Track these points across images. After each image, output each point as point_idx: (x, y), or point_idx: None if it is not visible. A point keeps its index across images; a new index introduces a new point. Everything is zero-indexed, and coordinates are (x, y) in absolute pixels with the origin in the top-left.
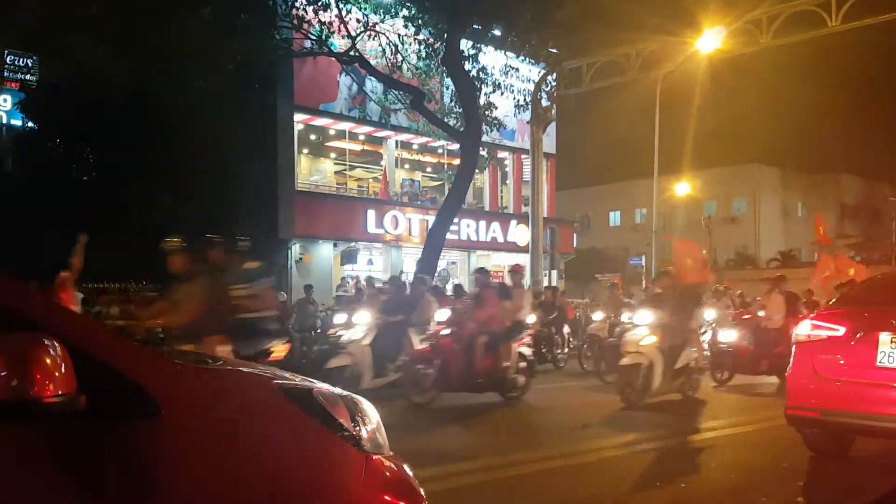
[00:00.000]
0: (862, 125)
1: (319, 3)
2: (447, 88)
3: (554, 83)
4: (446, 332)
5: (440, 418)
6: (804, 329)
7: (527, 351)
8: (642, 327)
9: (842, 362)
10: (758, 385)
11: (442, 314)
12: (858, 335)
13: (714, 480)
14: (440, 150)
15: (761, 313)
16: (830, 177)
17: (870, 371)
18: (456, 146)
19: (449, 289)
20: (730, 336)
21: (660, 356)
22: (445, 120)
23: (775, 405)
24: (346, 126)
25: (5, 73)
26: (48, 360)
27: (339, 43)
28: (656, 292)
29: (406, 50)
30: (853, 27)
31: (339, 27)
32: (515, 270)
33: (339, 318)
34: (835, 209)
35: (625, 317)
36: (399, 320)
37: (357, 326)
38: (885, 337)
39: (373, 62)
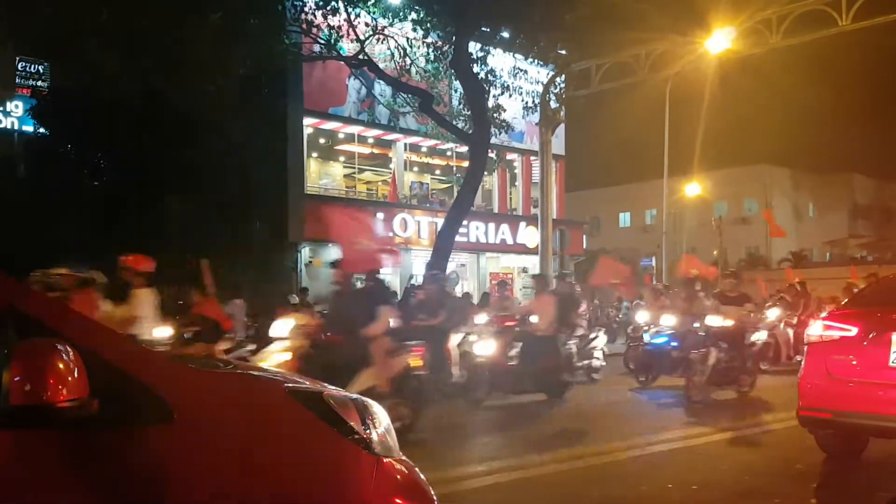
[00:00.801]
0: (874, 125)
1: (328, 8)
2: (456, 91)
3: (563, 85)
4: None
5: None
6: (816, 330)
7: None
8: (280, 340)
9: (854, 363)
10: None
11: None
12: (871, 335)
13: (726, 482)
14: (449, 153)
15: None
16: (842, 177)
17: (883, 371)
18: (465, 149)
19: (458, 292)
20: (486, 348)
21: None
22: (454, 122)
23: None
24: (354, 129)
25: (17, 80)
26: (61, 365)
27: (347, 47)
28: (334, 290)
29: (414, 53)
30: (864, 26)
31: (347, 31)
32: (126, 266)
33: None
34: (846, 209)
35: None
36: None
37: None
38: None
39: (381, 66)
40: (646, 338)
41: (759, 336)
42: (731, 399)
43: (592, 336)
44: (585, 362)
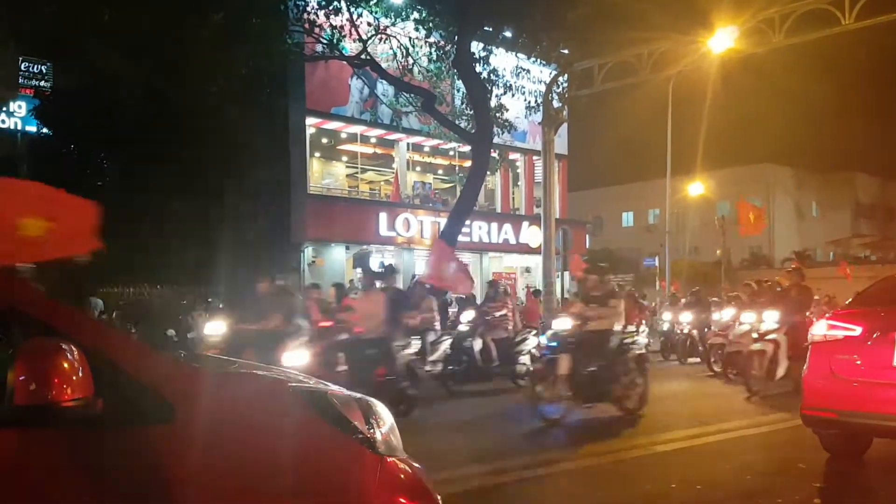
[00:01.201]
0: (877, 124)
1: (331, 8)
2: (458, 91)
3: (565, 84)
4: None
5: None
6: (820, 329)
7: None
8: None
9: (858, 362)
10: None
11: None
12: (875, 335)
13: (729, 482)
14: (451, 153)
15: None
16: (845, 176)
17: (887, 371)
18: (467, 148)
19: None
20: (299, 357)
21: None
22: (457, 122)
23: None
24: (357, 129)
25: (20, 80)
26: (66, 365)
27: (350, 46)
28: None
29: (417, 53)
30: (867, 25)
31: (350, 31)
32: None
33: None
34: (850, 208)
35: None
36: None
37: None
38: None
39: (384, 65)
40: (542, 341)
41: (640, 340)
42: (604, 417)
43: (519, 339)
44: (509, 367)
